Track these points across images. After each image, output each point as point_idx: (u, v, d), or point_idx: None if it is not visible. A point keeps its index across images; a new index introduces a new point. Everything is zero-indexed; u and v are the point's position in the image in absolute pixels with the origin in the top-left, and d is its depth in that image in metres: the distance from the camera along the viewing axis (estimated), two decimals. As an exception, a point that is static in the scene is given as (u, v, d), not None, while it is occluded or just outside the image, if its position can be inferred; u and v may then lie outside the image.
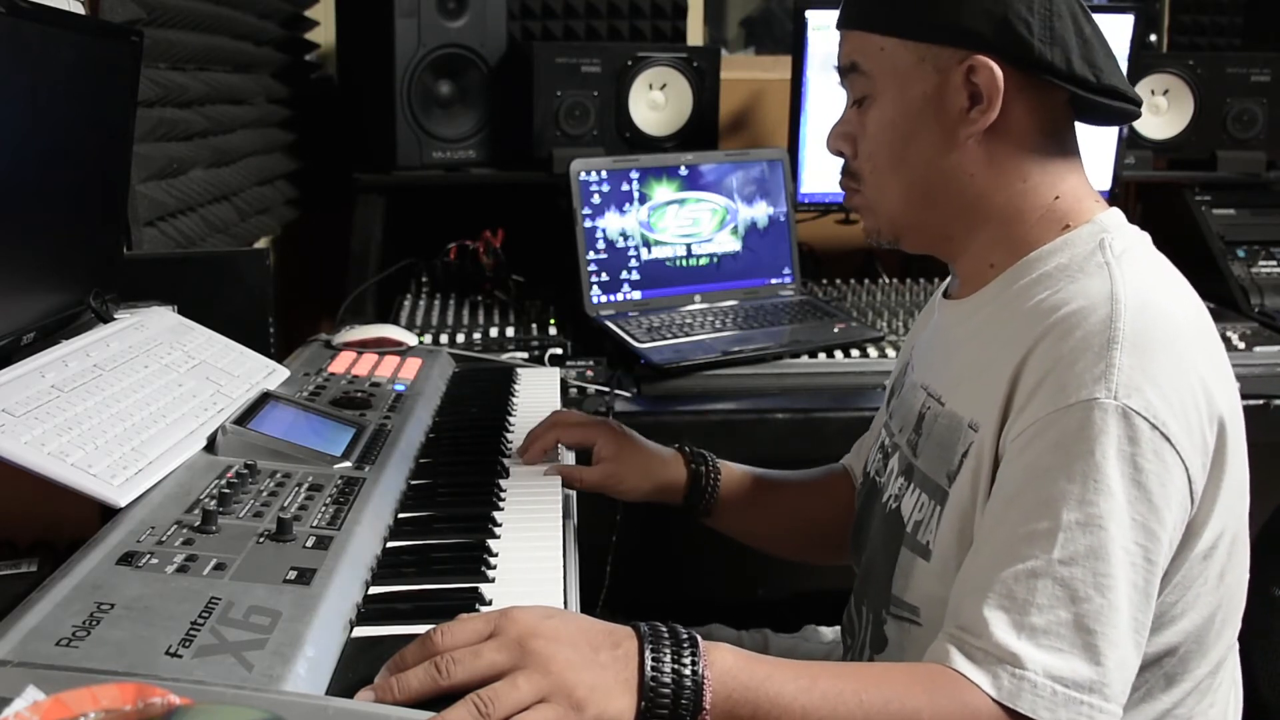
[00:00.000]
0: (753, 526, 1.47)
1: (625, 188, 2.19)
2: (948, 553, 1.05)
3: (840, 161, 1.19)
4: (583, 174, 2.16)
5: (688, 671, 0.88)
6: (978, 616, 0.93)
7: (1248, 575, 1.08)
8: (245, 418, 1.26)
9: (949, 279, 1.25)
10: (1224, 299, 2.34)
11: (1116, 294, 0.99)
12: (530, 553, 1.12)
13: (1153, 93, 2.52)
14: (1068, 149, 1.12)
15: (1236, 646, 1.11)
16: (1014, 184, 1.10)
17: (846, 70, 1.14)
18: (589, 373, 1.94)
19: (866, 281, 2.38)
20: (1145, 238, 1.11)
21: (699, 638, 0.91)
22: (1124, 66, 1.12)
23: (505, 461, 1.36)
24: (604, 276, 2.17)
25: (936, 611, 1.02)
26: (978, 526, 1.02)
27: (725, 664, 0.90)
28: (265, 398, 1.35)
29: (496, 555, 1.09)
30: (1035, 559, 0.92)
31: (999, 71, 1.05)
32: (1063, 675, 0.90)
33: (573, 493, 1.32)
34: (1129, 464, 0.93)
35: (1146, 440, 0.94)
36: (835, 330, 2.10)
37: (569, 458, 1.40)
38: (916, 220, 1.15)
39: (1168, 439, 0.94)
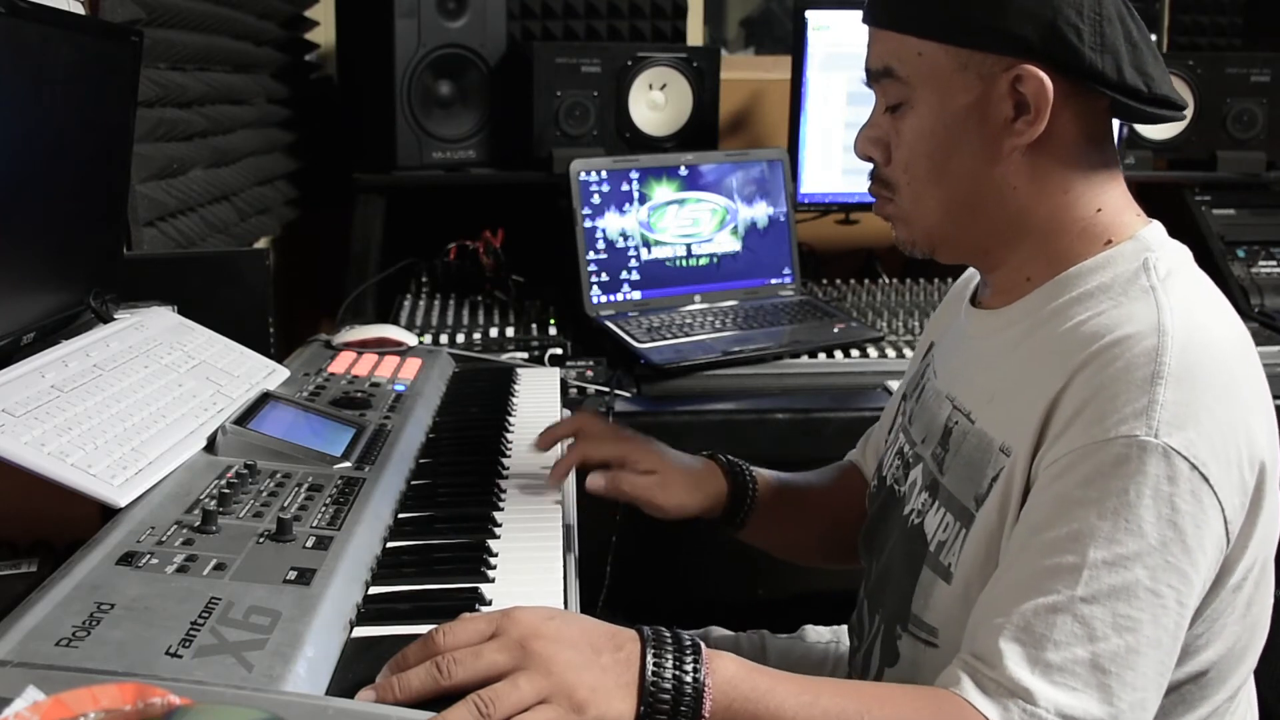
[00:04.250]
0: (783, 536, 1.42)
1: (625, 188, 2.19)
2: (971, 577, 1.02)
3: (859, 163, 1.13)
4: (583, 174, 2.16)
5: (689, 678, 0.87)
6: (993, 647, 0.91)
7: (1272, 600, 1.06)
8: (245, 418, 1.26)
9: (973, 282, 1.21)
10: (1224, 299, 2.34)
11: (1164, 325, 0.95)
12: (530, 553, 1.12)
13: (1153, 93, 2.52)
14: (1108, 158, 1.08)
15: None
16: (1056, 196, 1.05)
17: (879, 74, 1.08)
18: (589, 373, 1.94)
19: (866, 281, 2.38)
20: (1187, 255, 1.07)
21: (702, 644, 0.90)
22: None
23: (505, 462, 1.36)
24: (604, 276, 2.17)
25: (955, 634, 1.00)
26: (1003, 552, 0.99)
27: (727, 673, 0.89)
28: (265, 398, 1.35)
29: (496, 555, 1.09)
30: (1057, 594, 0.90)
31: (1048, 81, 1.00)
32: (1074, 714, 0.88)
33: (573, 494, 1.31)
34: (1166, 504, 0.90)
35: (1185, 481, 0.91)
36: (835, 330, 2.10)
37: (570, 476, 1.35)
38: (955, 233, 1.10)
39: (1206, 480, 0.91)
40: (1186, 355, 0.93)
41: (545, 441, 1.36)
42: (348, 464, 1.22)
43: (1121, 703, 0.89)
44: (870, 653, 1.19)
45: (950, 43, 1.03)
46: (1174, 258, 1.05)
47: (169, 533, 0.99)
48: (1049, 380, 0.98)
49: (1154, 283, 1.00)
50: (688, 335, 2.06)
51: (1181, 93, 2.50)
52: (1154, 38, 2.96)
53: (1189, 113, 2.53)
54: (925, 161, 1.07)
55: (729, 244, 2.27)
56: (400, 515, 1.19)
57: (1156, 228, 1.07)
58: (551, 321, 2.13)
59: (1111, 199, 1.07)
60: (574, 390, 1.88)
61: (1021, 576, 0.93)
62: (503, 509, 1.22)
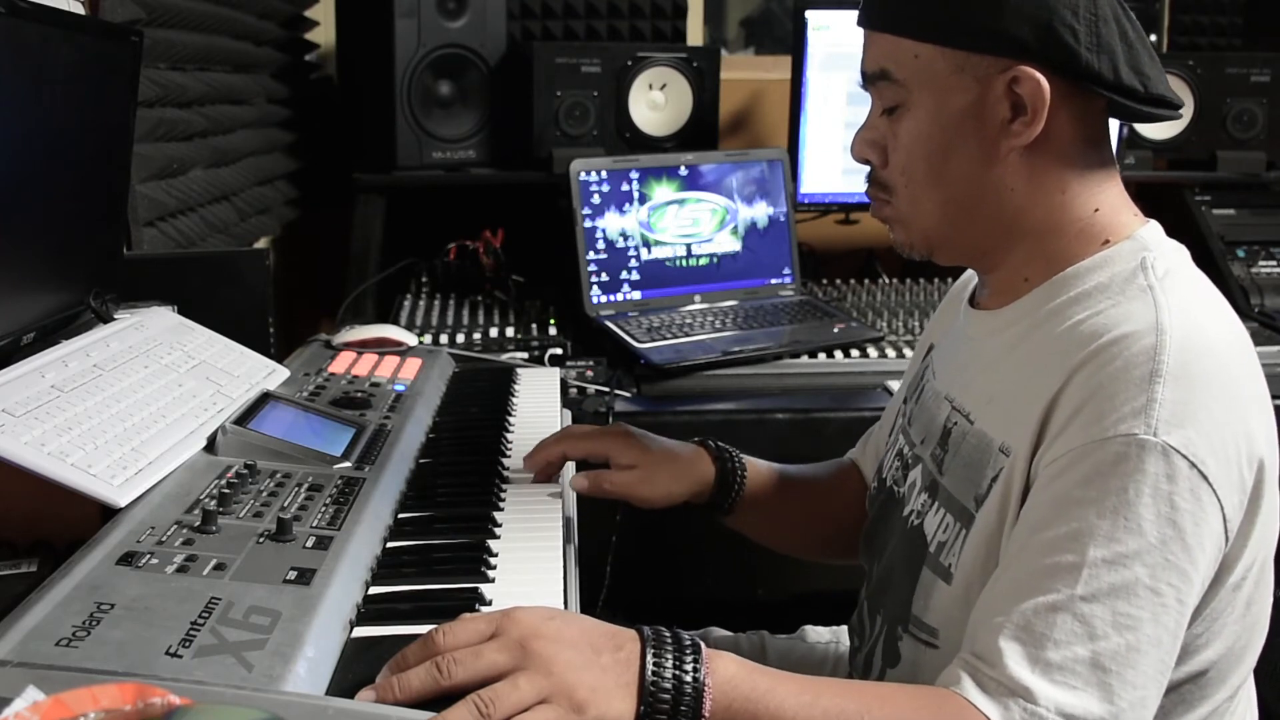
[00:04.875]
0: (771, 525, 1.43)
1: (625, 188, 2.19)
2: (971, 577, 1.03)
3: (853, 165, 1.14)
4: (583, 174, 2.16)
5: (689, 678, 0.87)
6: (993, 646, 0.91)
7: (1271, 600, 1.05)
8: (245, 418, 1.26)
9: (972, 284, 1.21)
10: (1224, 299, 2.35)
11: (1162, 323, 0.95)
12: (530, 553, 1.12)
13: (1153, 93, 2.52)
14: (1105, 158, 1.08)
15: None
16: (1053, 196, 1.05)
17: (875, 76, 1.08)
18: (589, 373, 1.94)
19: (866, 281, 2.38)
20: (1185, 254, 1.07)
21: (702, 644, 0.90)
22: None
23: (505, 462, 1.36)
24: (604, 276, 2.17)
25: (955, 634, 1.00)
26: (1003, 552, 0.99)
27: (728, 673, 0.89)
28: (265, 398, 1.35)
29: (496, 555, 1.09)
30: (1057, 593, 0.90)
31: (1045, 82, 1.00)
32: (1074, 713, 0.88)
33: (573, 493, 1.31)
34: (1165, 503, 0.91)
35: (1184, 479, 0.91)
36: (835, 330, 2.10)
37: (569, 469, 1.35)
38: (952, 235, 1.10)
39: (1205, 478, 0.91)
40: (1184, 354, 0.94)
41: (541, 472, 1.32)
42: (348, 464, 1.22)
43: (1122, 701, 0.89)
44: (872, 654, 1.19)
45: (947, 45, 1.03)
46: (1172, 257, 1.05)
47: (169, 533, 0.99)
48: (1047, 380, 0.98)
49: (1151, 281, 1.00)
50: (688, 335, 2.06)
51: (1181, 93, 2.51)
52: (1153, 38, 2.97)
53: (1188, 113, 2.53)
54: (923, 164, 1.07)
55: (729, 244, 2.27)
56: (400, 515, 1.19)
57: (1154, 227, 1.07)
58: (551, 321, 2.13)
59: (1109, 199, 1.07)
60: (574, 390, 1.88)
61: (1021, 576, 0.93)
62: (503, 509, 1.22)
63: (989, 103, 1.03)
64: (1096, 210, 1.06)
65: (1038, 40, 1.00)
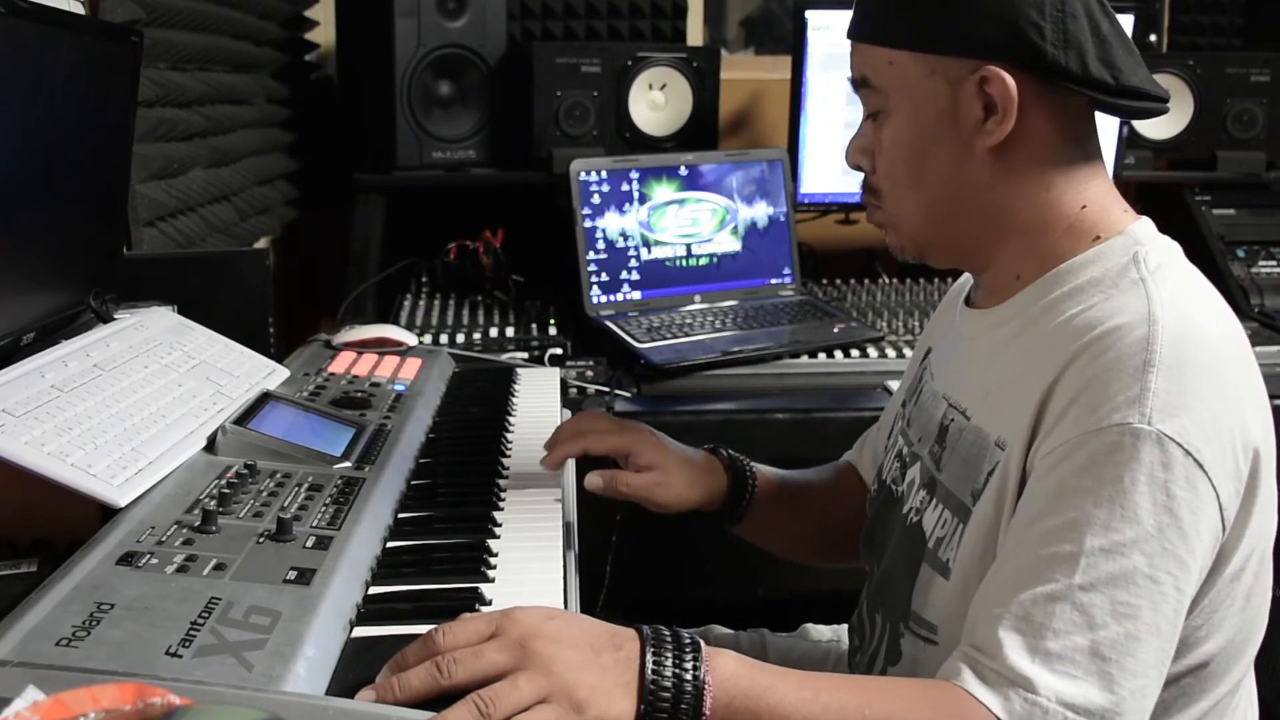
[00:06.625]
0: (777, 532, 1.43)
1: (625, 188, 2.19)
2: (969, 572, 1.03)
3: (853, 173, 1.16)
4: (583, 174, 2.16)
5: (689, 676, 0.87)
6: (993, 637, 0.91)
7: (1270, 594, 1.06)
8: (245, 418, 1.26)
9: (967, 284, 1.22)
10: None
11: (1154, 314, 0.96)
12: (530, 553, 1.12)
13: (1153, 93, 2.52)
14: (1090, 153, 1.09)
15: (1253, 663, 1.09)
16: (1038, 194, 1.07)
17: (858, 84, 1.11)
18: (589, 373, 1.94)
19: (866, 281, 2.38)
20: (1177, 249, 1.07)
21: (702, 643, 0.90)
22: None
23: (505, 462, 1.36)
24: (604, 276, 2.17)
25: (954, 630, 1.00)
26: (1000, 545, 1.00)
27: (727, 670, 0.89)
28: (265, 398, 1.35)
29: (496, 555, 1.09)
30: (1055, 582, 0.90)
31: (1011, 81, 1.01)
32: (1075, 702, 0.88)
33: (573, 493, 1.31)
34: (1161, 491, 0.91)
35: (1179, 467, 0.91)
36: (835, 330, 2.10)
37: (570, 468, 1.35)
38: (940, 236, 1.12)
39: (1201, 466, 0.92)
40: (1177, 344, 0.94)
41: (553, 462, 1.33)
42: (348, 464, 1.22)
43: (1122, 690, 0.89)
44: (875, 654, 1.20)
45: (918, 49, 1.06)
46: (1164, 251, 1.06)
47: (169, 533, 0.99)
48: (1042, 373, 0.99)
49: (1144, 275, 1.01)
50: (688, 335, 2.06)
51: (1181, 93, 2.51)
52: (1153, 38, 2.95)
53: (1188, 113, 2.53)
54: (903, 167, 1.10)
55: (729, 244, 2.27)
56: (400, 515, 1.19)
57: (1145, 223, 1.08)
58: (551, 321, 2.13)
59: (1096, 195, 1.08)
60: (574, 390, 1.88)
61: (1019, 566, 0.94)
62: (503, 509, 1.22)
63: (961, 104, 1.05)
64: (1084, 207, 1.07)
65: (1004, 40, 1.01)
